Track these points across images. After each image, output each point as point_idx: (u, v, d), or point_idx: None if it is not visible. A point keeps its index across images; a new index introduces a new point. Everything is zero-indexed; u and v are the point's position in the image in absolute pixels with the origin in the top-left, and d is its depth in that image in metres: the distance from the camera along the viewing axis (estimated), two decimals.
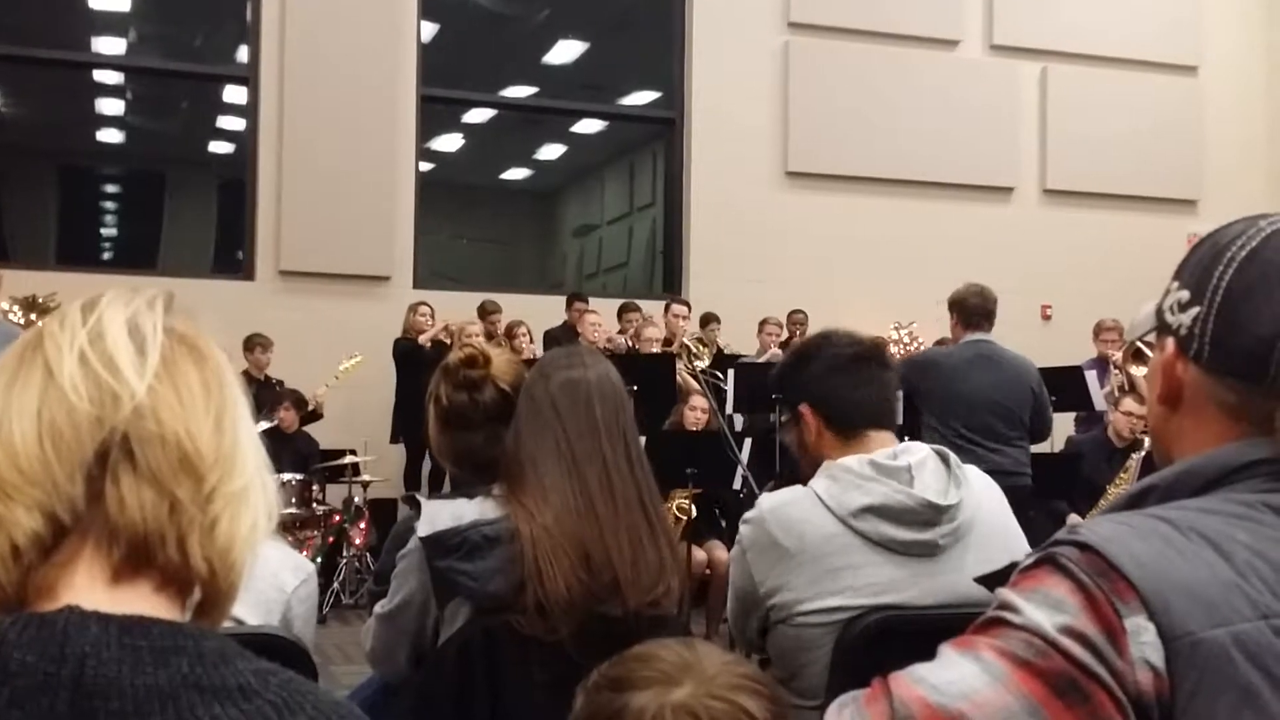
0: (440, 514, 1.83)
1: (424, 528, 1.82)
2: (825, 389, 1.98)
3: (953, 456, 1.93)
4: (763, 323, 8.71)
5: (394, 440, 8.10)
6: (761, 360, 8.00)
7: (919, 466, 1.87)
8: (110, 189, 11.31)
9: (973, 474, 1.97)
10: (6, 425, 0.79)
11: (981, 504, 1.93)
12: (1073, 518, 5.70)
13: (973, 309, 5.19)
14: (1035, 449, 5.58)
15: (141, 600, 0.79)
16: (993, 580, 1.00)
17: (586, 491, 1.81)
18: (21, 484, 0.78)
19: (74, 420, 0.79)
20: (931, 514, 1.84)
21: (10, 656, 0.73)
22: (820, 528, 1.86)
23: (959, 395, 4.99)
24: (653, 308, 8.74)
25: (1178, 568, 0.88)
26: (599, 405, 1.87)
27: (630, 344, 8.03)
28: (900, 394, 2.06)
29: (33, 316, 6.93)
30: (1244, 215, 1.03)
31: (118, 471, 0.79)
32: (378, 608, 1.95)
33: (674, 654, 1.16)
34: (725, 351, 8.39)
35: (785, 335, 8.83)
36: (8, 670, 0.72)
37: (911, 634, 1.15)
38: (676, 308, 8.53)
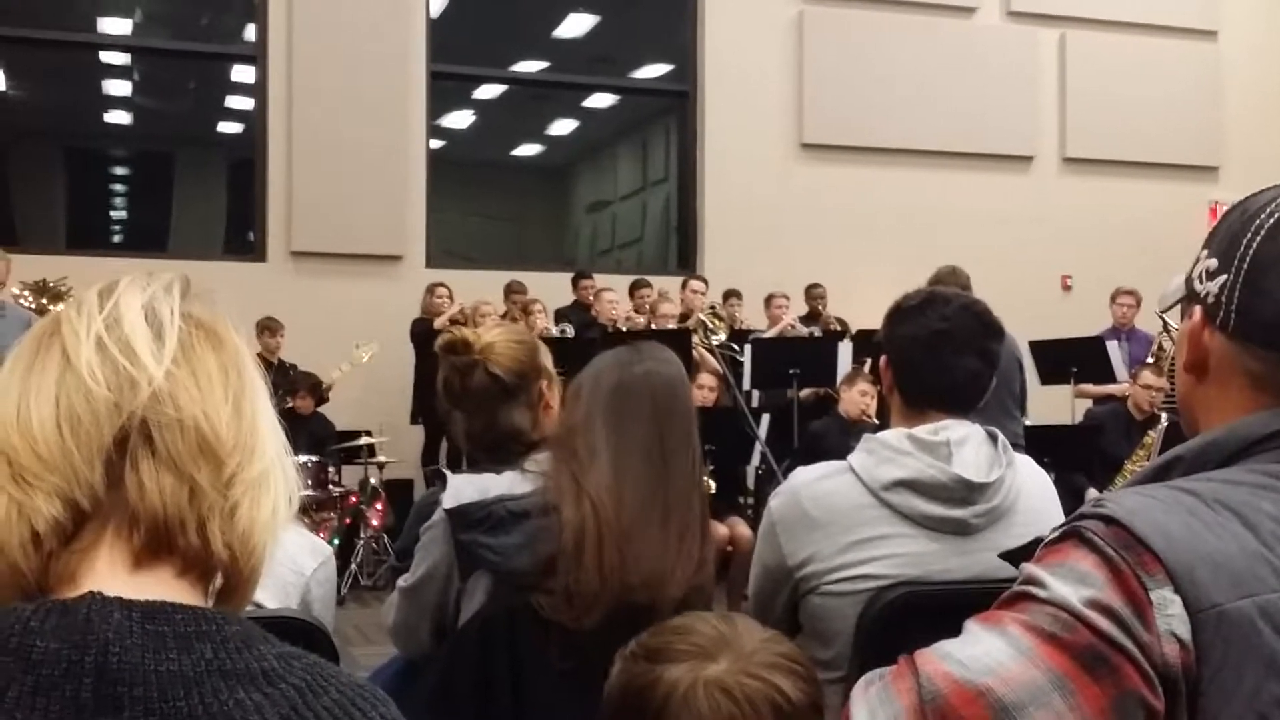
0: (465, 488, 1.83)
1: (449, 500, 1.81)
2: (902, 356, 1.95)
3: (1001, 438, 1.90)
4: (769, 298, 8.60)
5: (414, 421, 8.12)
6: (772, 335, 7.98)
7: (959, 443, 1.84)
8: (119, 171, 11.31)
9: (1021, 460, 1.94)
10: (25, 412, 0.79)
11: (1025, 489, 1.89)
12: (1091, 492, 5.69)
13: (953, 286, 5.30)
14: (1054, 421, 5.54)
15: (163, 586, 0.79)
16: (1018, 555, 0.99)
17: (663, 488, 1.78)
18: (41, 471, 0.78)
19: (92, 406, 0.79)
20: (965, 491, 1.81)
21: (34, 644, 0.73)
22: (851, 499, 1.84)
23: None
24: (668, 284, 8.71)
25: (1203, 540, 0.87)
26: (685, 403, 1.87)
27: (647, 321, 8.02)
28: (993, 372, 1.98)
29: (44, 301, 6.94)
30: (1266, 182, 1.01)
31: (137, 457, 0.79)
32: (400, 581, 1.94)
33: (712, 628, 1.14)
34: (741, 327, 8.35)
35: (806, 310, 8.80)
36: (31, 658, 0.72)
37: (937, 610, 1.14)
38: (694, 284, 8.50)
